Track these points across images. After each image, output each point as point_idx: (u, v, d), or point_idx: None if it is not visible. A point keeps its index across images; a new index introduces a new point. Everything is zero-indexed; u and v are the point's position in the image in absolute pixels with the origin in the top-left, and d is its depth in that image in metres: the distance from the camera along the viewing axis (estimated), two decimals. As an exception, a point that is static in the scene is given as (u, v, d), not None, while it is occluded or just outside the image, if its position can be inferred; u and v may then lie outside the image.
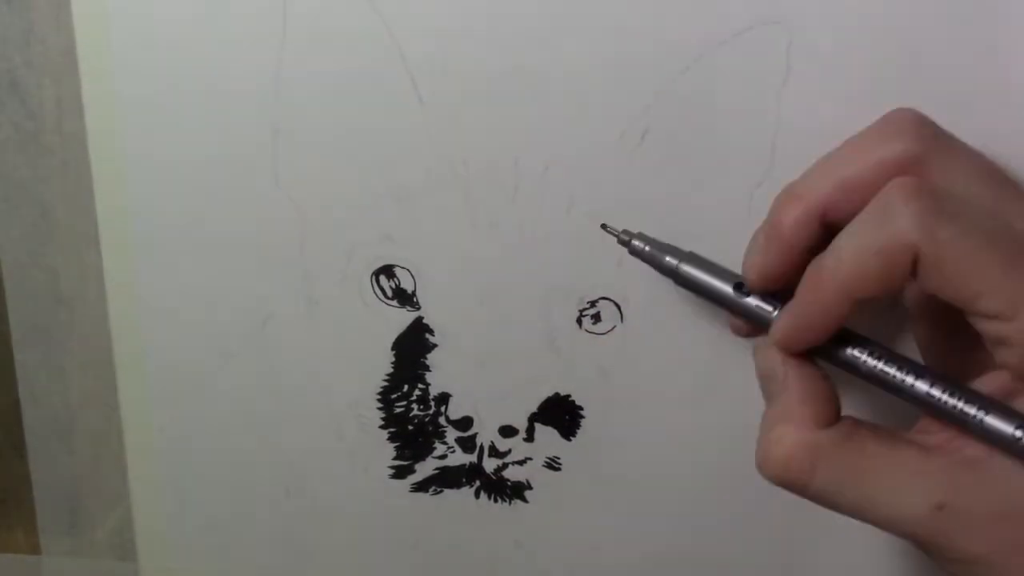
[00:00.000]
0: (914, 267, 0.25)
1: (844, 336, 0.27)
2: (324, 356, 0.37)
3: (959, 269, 0.24)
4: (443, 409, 0.37)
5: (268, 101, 0.34)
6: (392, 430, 0.37)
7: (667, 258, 0.31)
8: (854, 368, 0.27)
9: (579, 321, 0.35)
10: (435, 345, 0.36)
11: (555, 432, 0.36)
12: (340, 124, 0.34)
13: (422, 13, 0.32)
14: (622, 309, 0.34)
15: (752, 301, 0.29)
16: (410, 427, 0.37)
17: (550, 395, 0.36)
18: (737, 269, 0.30)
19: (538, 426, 0.36)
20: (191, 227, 0.36)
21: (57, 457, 0.41)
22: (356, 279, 0.36)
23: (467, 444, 0.37)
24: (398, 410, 0.37)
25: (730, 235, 0.31)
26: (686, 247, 0.31)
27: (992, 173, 0.27)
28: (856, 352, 0.27)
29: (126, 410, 0.39)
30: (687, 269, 0.30)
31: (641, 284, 0.34)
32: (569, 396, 0.36)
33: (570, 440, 0.36)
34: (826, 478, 0.26)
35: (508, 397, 0.36)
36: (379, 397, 0.37)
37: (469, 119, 0.33)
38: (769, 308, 0.29)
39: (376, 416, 0.37)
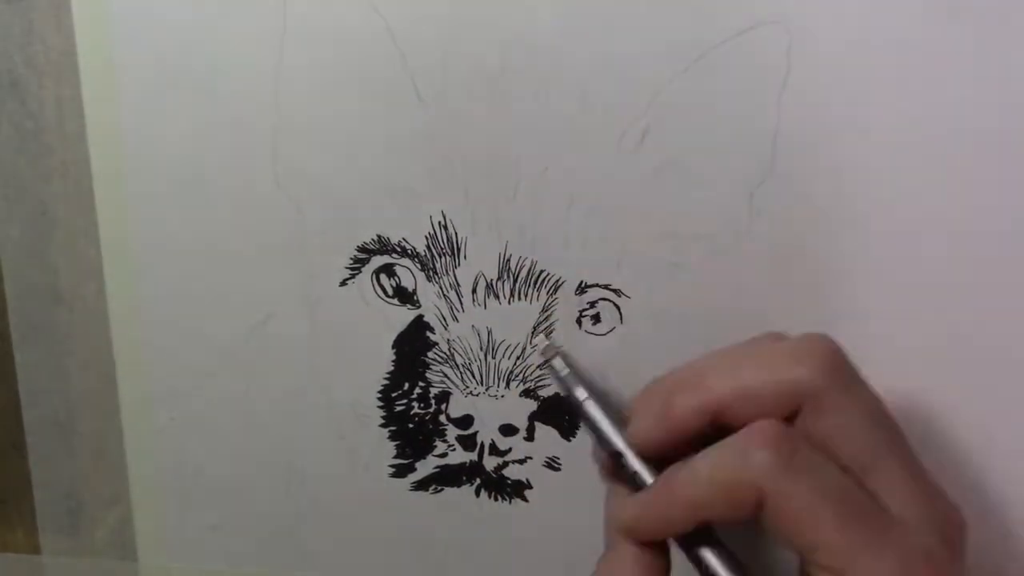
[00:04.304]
0: (760, 507, 0.26)
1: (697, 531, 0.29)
2: (324, 355, 0.37)
3: (797, 521, 0.26)
4: (444, 407, 0.37)
5: (268, 101, 0.34)
6: (392, 428, 0.37)
7: (577, 391, 0.32)
8: (695, 562, 0.29)
9: (579, 322, 0.35)
10: (436, 343, 0.36)
11: (555, 432, 0.36)
12: (340, 124, 0.34)
13: (422, 13, 0.32)
14: (622, 310, 0.34)
15: (630, 467, 0.30)
16: (410, 425, 0.37)
17: (550, 395, 0.36)
18: (734, 268, 0.30)
19: (538, 425, 0.36)
20: (191, 227, 0.36)
21: (57, 457, 0.41)
22: (356, 278, 0.36)
23: (467, 442, 0.37)
24: (399, 408, 0.37)
25: (730, 235, 0.31)
26: (687, 247, 0.32)
27: (879, 419, 0.28)
28: (699, 552, 0.29)
29: (126, 410, 0.39)
30: (589, 407, 0.31)
31: (641, 285, 0.34)
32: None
33: (570, 440, 0.36)
34: None
35: (508, 396, 0.36)
36: (379, 396, 0.37)
37: (469, 119, 0.33)
38: (646, 476, 0.30)
39: (376, 415, 0.37)
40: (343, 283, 0.36)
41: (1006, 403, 0.32)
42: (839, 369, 0.28)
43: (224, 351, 0.38)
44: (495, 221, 0.34)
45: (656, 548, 0.30)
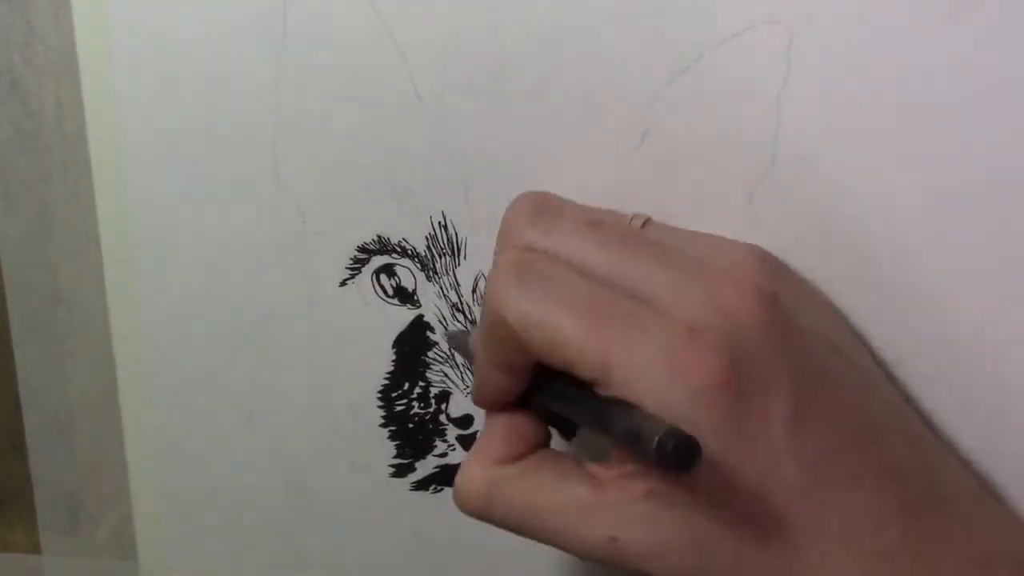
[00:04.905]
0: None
1: (540, 381, 0.28)
2: (324, 355, 0.37)
3: (545, 340, 0.25)
4: (444, 407, 0.37)
5: (268, 101, 0.34)
6: (392, 428, 0.37)
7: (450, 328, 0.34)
8: (545, 409, 0.29)
9: (579, 320, 0.35)
10: (436, 343, 0.36)
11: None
12: (340, 124, 0.34)
13: (422, 13, 0.32)
14: (622, 308, 0.34)
15: None
16: (410, 425, 0.37)
17: (550, 394, 0.36)
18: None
19: (538, 425, 0.36)
20: (191, 226, 0.36)
21: (57, 457, 0.41)
22: (356, 278, 0.36)
23: (468, 442, 0.37)
24: (398, 408, 0.37)
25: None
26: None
27: (599, 235, 0.27)
28: (544, 397, 0.28)
29: (126, 410, 0.39)
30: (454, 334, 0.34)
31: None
32: (569, 395, 0.36)
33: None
34: (503, 511, 0.28)
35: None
36: (379, 395, 0.37)
37: (469, 118, 0.33)
38: None
39: (376, 415, 0.37)
40: (343, 283, 0.36)
41: (1006, 402, 0.32)
42: (533, 214, 0.28)
43: (224, 351, 0.38)
44: (495, 221, 0.34)
45: (521, 417, 0.29)
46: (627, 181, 0.33)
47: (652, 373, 0.24)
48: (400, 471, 0.38)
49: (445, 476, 0.38)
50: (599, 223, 0.28)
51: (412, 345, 0.36)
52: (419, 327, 0.36)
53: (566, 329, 0.25)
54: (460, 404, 0.37)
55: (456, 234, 0.35)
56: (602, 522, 0.26)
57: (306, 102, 0.34)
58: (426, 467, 0.38)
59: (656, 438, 0.22)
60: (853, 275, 0.32)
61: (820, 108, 0.30)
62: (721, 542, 0.24)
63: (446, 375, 0.36)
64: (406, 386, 0.37)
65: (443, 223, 0.35)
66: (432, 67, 0.33)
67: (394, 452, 0.38)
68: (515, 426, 0.29)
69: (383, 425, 0.38)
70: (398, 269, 0.36)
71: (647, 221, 0.30)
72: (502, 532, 0.38)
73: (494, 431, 0.29)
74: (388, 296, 0.36)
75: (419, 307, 0.36)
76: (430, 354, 0.36)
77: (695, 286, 0.25)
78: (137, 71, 0.35)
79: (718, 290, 0.25)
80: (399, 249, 0.35)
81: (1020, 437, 0.31)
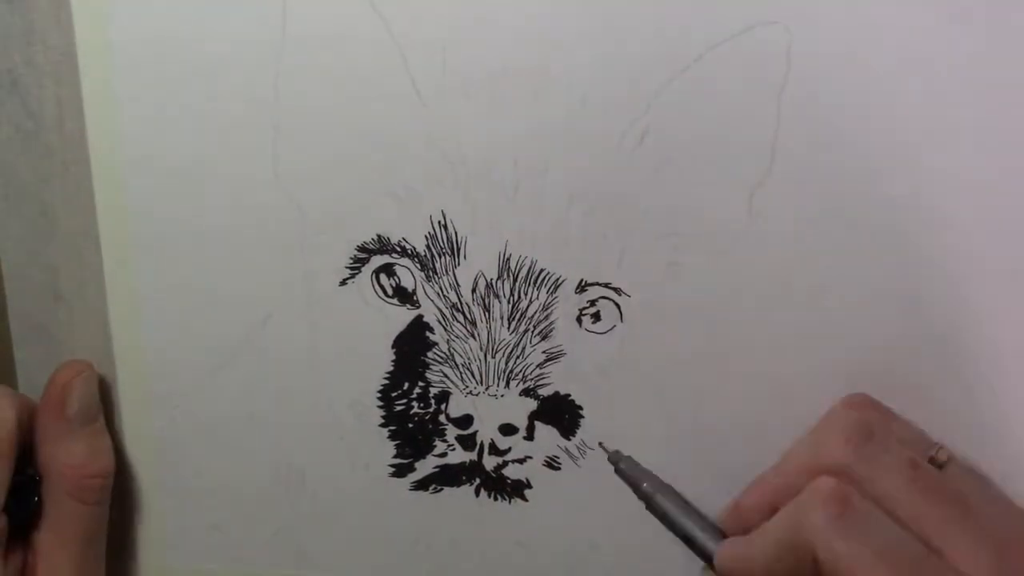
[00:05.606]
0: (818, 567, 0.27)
1: None
2: (324, 355, 0.37)
3: None
4: (443, 407, 0.37)
5: (268, 101, 0.34)
6: (392, 428, 0.37)
7: (644, 485, 0.34)
8: None
9: (579, 320, 0.35)
10: (435, 343, 0.36)
11: (555, 431, 0.36)
12: (340, 124, 0.34)
13: (422, 13, 0.32)
14: (622, 309, 0.34)
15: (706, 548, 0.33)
16: (410, 425, 0.37)
17: (550, 394, 0.36)
18: (734, 268, 0.30)
19: (538, 425, 0.36)
20: (191, 226, 0.36)
21: (57, 457, 0.41)
22: (356, 278, 0.36)
23: (467, 442, 0.37)
24: (398, 408, 0.37)
25: (730, 235, 0.31)
26: (687, 247, 0.32)
27: (919, 481, 0.28)
28: None
29: (125, 411, 0.39)
30: (660, 500, 0.34)
31: (641, 284, 0.34)
32: (569, 396, 0.36)
33: (570, 439, 0.36)
34: None
35: (508, 395, 0.36)
36: (379, 395, 0.37)
37: (469, 119, 0.33)
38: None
39: (376, 414, 0.37)
40: (343, 283, 0.36)
41: (1003, 401, 0.32)
42: (862, 441, 0.29)
43: (224, 351, 0.38)
44: (495, 221, 0.34)
45: None
46: (628, 180, 0.33)
47: None
48: (400, 471, 0.38)
49: (445, 476, 0.38)
50: (918, 465, 0.29)
51: (412, 345, 0.36)
52: (419, 327, 0.36)
53: None
54: (460, 404, 0.37)
55: (456, 234, 0.35)
56: None
57: (306, 102, 0.34)
58: (426, 467, 0.38)
59: None
60: (851, 274, 0.32)
61: (820, 108, 0.31)
62: None
63: (446, 375, 0.36)
64: (406, 386, 0.37)
65: (443, 223, 0.35)
66: (432, 67, 0.33)
67: (394, 452, 0.38)
68: None
69: (383, 425, 0.38)
70: (398, 269, 0.36)
71: (950, 459, 0.31)
72: (501, 532, 0.38)
73: None
74: (388, 296, 0.36)
75: (419, 307, 0.36)
76: (430, 354, 0.36)
77: (988, 550, 0.27)
78: (137, 71, 0.35)
79: (1008, 556, 0.27)
80: (399, 249, 0.35)
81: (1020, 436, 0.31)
